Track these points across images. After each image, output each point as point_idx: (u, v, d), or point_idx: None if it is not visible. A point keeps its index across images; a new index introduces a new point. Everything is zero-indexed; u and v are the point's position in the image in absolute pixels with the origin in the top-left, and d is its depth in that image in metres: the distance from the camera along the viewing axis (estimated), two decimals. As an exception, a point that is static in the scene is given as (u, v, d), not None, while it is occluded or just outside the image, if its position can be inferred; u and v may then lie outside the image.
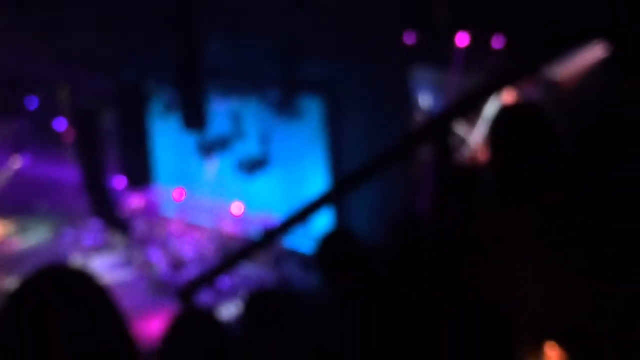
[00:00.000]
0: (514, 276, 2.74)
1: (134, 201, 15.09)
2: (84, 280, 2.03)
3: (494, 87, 4.41)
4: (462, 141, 10.27)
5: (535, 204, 2.82)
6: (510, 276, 2.75)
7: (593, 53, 9.69)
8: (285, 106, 12.86)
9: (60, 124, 15.02)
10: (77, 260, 14.49)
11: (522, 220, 2.83)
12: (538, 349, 2.37)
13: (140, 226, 14.82)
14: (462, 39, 10.83)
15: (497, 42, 10.49)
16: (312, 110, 13.04)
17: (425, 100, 11.66)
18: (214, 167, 14.37)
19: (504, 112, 3.02)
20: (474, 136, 10.45)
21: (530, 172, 2.87)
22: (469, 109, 5.14)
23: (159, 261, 14.09)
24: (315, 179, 12.99)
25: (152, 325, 10.89)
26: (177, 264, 13.96)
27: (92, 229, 15.10)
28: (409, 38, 11.32)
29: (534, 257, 2.73)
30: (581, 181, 2.94)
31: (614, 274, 2.52)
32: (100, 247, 15.02)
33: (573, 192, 2.84)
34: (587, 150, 3.44)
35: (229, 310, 10.98)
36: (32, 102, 14.89)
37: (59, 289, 1.96)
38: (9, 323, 1.92)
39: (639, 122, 3.38)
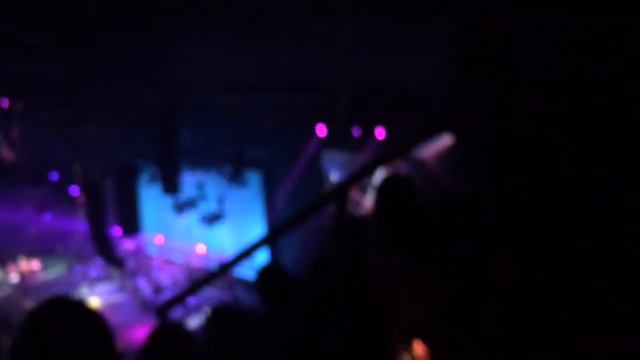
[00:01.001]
0: (392, 296, 2.75)
1: (127, 244, 14.85)
2: (81, 307, 2.01)
3: (377, 165, 4.49)
4: (357, 203, 10.35)
5: (405, 247, 2.86)
6: (390, 296, 2.76)
7: (445, 140, 10.00)
8: (235, 177, 12.91)
9: (74, 191, 14.83)
10: (85, 288, 14.22)
11: (396, 258, 2.85)
12: (409, 344, 2.36)
13: (131, 262, 14.56)
14: (356, 130, 10.98)
15: (380, 133, 10.68)
16: (255, 180, 13.04)
17: (334, 174, 11.75)
18: (185, 220, 14.20)
19: (385, 182, 3.01)
20: (366, 200, 10.59)
21: (402, 225, 2.89)
22: (360, 179, 5.18)
23: (144, 287, 13.87)
24: (256, 228, 12.93)
25: (138, 334, 10.63)
26: (157, 289, 13.73)
27: (96, 265, 14.75)
28: (321, 130, 11.45)
29: (405, 283, 2.77)
30: (437, 232, 2.94)
31: (458, 295, 2.55)
32: (102, 278, 14.67)
33: (431, 239, 2.86)
34: (441, 211, 3.57)
35: (195, 322, 10.76)
36: (54, 175, 14.86)
37: (62, 314, 1.94)
38: (23, 340, 1.89)
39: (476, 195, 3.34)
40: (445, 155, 10.09)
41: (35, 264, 15.05)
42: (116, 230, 14.51)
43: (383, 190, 3.00)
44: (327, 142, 11.55)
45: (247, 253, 4.41)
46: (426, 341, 2.26)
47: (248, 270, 11.96)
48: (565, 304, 2.02)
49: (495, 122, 3.41)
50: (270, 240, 6.37)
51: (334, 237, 3.70)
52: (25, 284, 14.25)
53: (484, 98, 3.28)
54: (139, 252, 14.96)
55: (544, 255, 2.26)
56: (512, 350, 1.99)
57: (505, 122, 3.40)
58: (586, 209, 2.41)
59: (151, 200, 14.56)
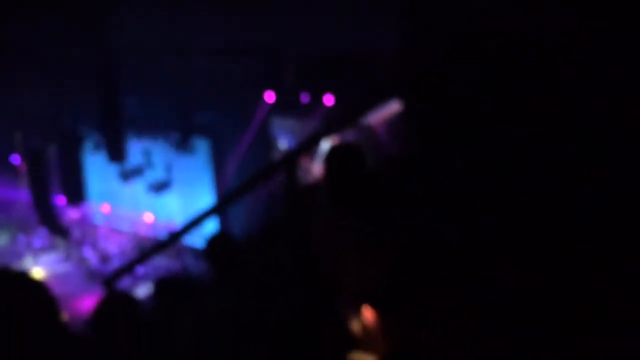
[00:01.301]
0: (340, 263, 2.77)
1: (72, 214, 14.58)
2: (25, 278, 1.97)
3: (326, 132, 4.50)
4: (306, 170, 10.36)
5: (354, 214, 2.87)
6: (338, 263, 2.78)
7: (393, 106, 10.02)
8: (182, 145, 12.75)
9: (16, 159, 14.40)
10: (28, 258, 13.92)
11: (344, 222, 2.86)
12: (358, 310, 2.35)
13: (76, 232, 14.33)
14: (304, 97, 10.94)
15: (329, 100, 10.66)
16: (203, 148, 12.90)
17: (283, 141, 11.69)
18: (131, 188, 13.99)
19: (333, 149, 3.02)
20: (315, 167, 10.60)
21: (349, 190, 2.91)
22: (309, 147, 5.18)
23: (90, 257, 13.68)
24: (205, 196, 12.83)
25: (85, 304, 10.51)
26: (104, 259, 13.56)
27: (40, 235, 14.45)
28: (269, 96, 11.36)
29: (353, 249, 2.78)
30: (385, 198, 2.99)
31: (406, 260, 2.58)
32: (46, 248, 14.39)
33: (380, 205, 2.89)
34: (387, 175, 3.60)
35: (143, 291, 10.68)
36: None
37: (4, 285, 1.91)
38: None
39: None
40: (393, 122, 10.15)
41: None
42: (60, 199, 14.21)
43: (331, 157, 2.99)
44: (275, 109, 11.48)
45: (195, 221, 4.38)
46: (375, 306, 2.23)
47: (197, 239, 11.90)
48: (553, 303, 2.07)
49: (439, 87, 3.49)
50: (219, 208, 6.32)
51: (283, 204, 3.68)
52: (-34, 255, 13.91)
53: (429, 64, 3.29)
54: (84, 221, 14.72)
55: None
56: (510, 351, 2.01)
57: (447, 88, 3.50)
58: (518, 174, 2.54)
59: (96, 168, 14.28)
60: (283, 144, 11.62)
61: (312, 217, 3.21)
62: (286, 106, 11.17)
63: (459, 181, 2.82)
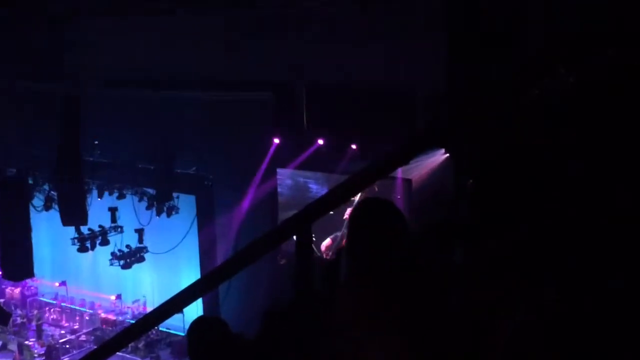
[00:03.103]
0: (364, 345, 2.82)
1: (13, 291, 14.60)
2: None
3: (354, 188, 4.40)
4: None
5: (386, 287, 2.90)
6: (361, 345, 2.82)
7: (437, 157, 10.08)
8: (160, 202, 12.77)
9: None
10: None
11: (374, 301, 2.91)
12: None
13: (18, 313, 14.30)
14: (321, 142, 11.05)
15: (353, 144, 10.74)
16: (187, 206, 12.95)
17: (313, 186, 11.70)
18: (92, 259, 14.02)
19: (363, 204, 3.05)
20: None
21: (383, 259, 2.92)
22: (332, 207, 5.08)
23: (35, 348, 13.60)
24: (188, 271, 12.83)
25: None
26: (51, 351, 13.47)
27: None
28: (276, 140, 11.48)
29: (379, 327, 2.84)
30: (425, 271, 3.01)
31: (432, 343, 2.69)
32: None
33: (417, 279, 2.93)
34: (428, 242, 3.63)
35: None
36: None
37: None
38: None
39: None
40: (437, 175, 10.15)
41: None
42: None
43: (360, 214, 3.04)
44: (284, 157, 11.53)
45: (175, 304, 4.17)
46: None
47: (176, 326, 11.85)
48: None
49: (499, 134, 3.57)
50: (206, 286, 6.23)
51: (293, 283, 3.61)
52: None
53: (486, 105, 3.19)
54: (28, 302, 14.71)
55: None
56: None
57: (510, 134, 3.63)
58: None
59: (46, 232, 14.36)
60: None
61: (328, 300, 3.21)
62: (297, 153, 11.22)
63: (519, 254, 2.82)
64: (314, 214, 3.61)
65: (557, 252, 2.70)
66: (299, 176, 11.35)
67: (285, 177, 11.48)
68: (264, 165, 11.66)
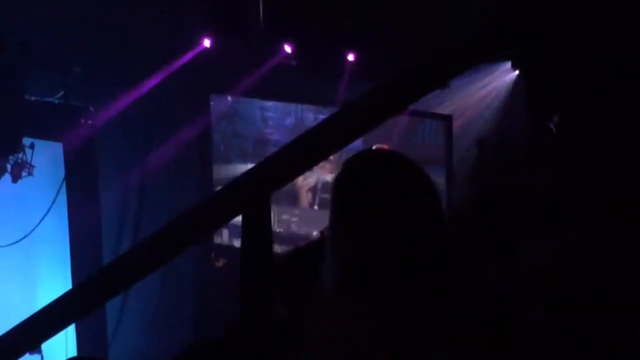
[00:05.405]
0: None
1: None
2: None
3: (347, 132, 3.43)
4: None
5: (388, 295, 2.38)
6: None
7: (497, 78, 7.33)
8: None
9: None
10: None
11: (365, 314, 2.46)
12: None
13: None
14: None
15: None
16: (47, 161, 9.98)
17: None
18: None
19: (355, 163, 2.41)
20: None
21: (390, 255, 2.33)
22: (308, 165, 4.30)
23: None
24: (49, 275, 9.58)
25: None
26: None
27: None
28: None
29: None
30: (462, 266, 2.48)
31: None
32: None
33: (447, 281, 2.39)
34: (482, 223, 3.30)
35: None
36: None
37: None
38: None
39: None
40: (499, 110, 7.38)
41: None
42: None
43: (354, 180, 2.39)
44: (223, 75, 8.57)
45: (27, 334, 3.36)
46: None
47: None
48: None
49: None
50: (83, 303, 4.75)
51: (238, 298, 2.87)
52: None
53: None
54: None
55: None
56: None
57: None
58: None
59: None
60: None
61: (301, 305, 2.77)
62: (246, 68, 8.34)
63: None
64: (277, 175, 2.77)
65: None
66: (250, 108, 8.82)
67: (225, 108, 8.95)
68: (187, 90, 8.78)
